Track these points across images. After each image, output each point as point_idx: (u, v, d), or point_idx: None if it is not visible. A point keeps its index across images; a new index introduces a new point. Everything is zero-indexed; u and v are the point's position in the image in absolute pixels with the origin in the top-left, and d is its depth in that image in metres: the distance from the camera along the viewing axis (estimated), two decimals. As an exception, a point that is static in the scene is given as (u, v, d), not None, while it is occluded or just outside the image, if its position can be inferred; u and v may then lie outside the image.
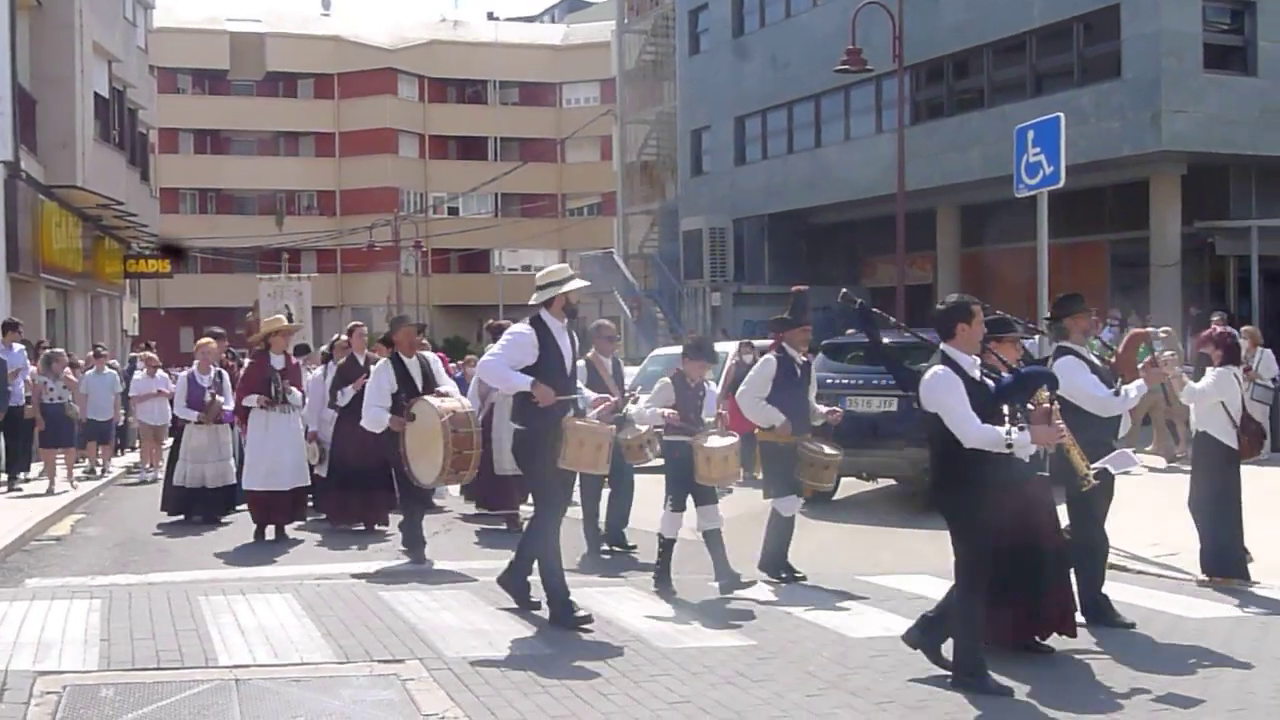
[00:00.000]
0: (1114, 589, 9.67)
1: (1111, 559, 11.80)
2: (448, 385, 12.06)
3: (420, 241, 60.81)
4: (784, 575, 10.96)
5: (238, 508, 15.14)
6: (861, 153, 34.15)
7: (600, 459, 9.35)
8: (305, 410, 14.51)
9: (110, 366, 21.79)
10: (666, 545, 10.69)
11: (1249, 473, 10.94)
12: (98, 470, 20.91)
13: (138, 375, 21.91)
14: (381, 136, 67.47)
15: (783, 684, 7.62)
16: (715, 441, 10.51)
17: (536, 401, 9.04)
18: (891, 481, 16.77)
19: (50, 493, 17.87)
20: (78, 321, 31.72)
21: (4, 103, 25.16)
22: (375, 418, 11.82)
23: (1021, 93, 29.60)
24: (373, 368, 12.68)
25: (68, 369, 19.70)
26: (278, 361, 13.65)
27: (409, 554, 12.11)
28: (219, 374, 15.47)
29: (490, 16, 78.48)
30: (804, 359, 11.12)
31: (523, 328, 9.42)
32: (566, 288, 9.42)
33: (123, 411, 22.82)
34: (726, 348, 21.52)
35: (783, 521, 11.06)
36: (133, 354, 24.75)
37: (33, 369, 19.56)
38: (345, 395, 14.37)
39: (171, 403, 21.30)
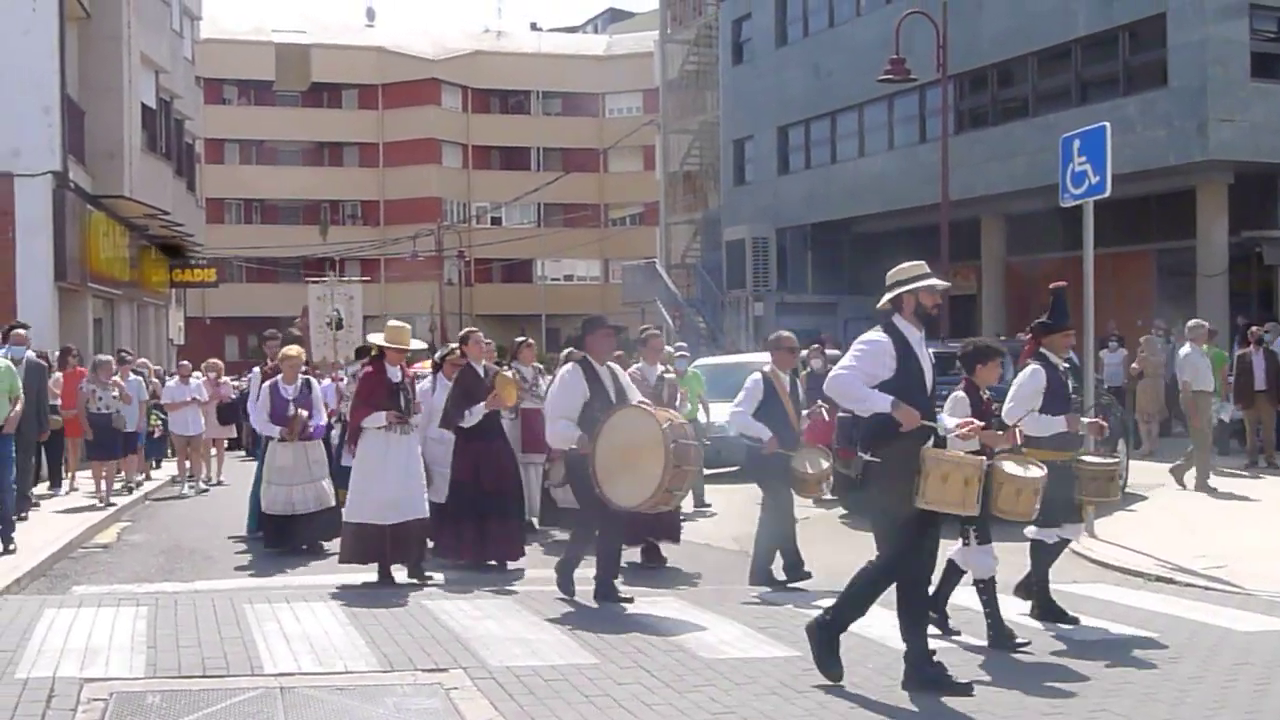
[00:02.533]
0: (1161, 601, 9.60)
1: (1158, 571, 11.74)
2: (638, 397, 10.71)
3: (463, 251, 61.06)
4: (1069, 617, 9.60)
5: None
6: (905, 162, 34.05)
7: (970, 497, 7.60)
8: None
9: (136, 373, 20.78)
10: (989, 587, 9.10)
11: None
12: (132, 484, 20.25)
13: (170, 383, 21.93)
14: (425, 147, 67.78)
15: (827, 695, 7.59)
16: (1029, 471, 8.47)
17: (896, 426, 7.57)
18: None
19: (101, 505, 17.63)
20: (124, 330, 31.96)
21: (52, 113, 25.40)
22: (563, 433, 10.31)
23: (1066, 101, 29.43)
24: (560, 373, 10.85)
25: (117, 377, 19.03)
26: (394, 374, 11.68)
27: (561, 586, 10.59)
28: (305, 384, 13.96)
29: (533, 27, 78.78)
30: (1065, 365, 9.83)
31: (877, 335, 7.92)
32: (916, 285, 8.03)
33: (159, 421, 22.21)
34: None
35: (1051, 551, 9.75)
36: (182, 362, 24.03)
37: (57, 375, 19.13)
38: (474, 415, 12.17)
39: (229, 415, 21.24)
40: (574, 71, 69.50)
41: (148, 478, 21.39)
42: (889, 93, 32.60)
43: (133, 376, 20.17)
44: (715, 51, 44.97)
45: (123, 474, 19.93)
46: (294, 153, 69.14)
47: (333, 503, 13.45)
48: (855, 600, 7.86)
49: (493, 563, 12.28)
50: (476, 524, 12.05)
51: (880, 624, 9.44)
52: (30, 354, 16.29)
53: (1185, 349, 18.52)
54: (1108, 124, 14.43)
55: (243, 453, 29.13)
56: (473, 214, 67.90)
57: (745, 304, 39.04)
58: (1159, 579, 11.57)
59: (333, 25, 71.12)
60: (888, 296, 8.03)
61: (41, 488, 19.11)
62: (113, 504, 17.73)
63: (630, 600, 10.18)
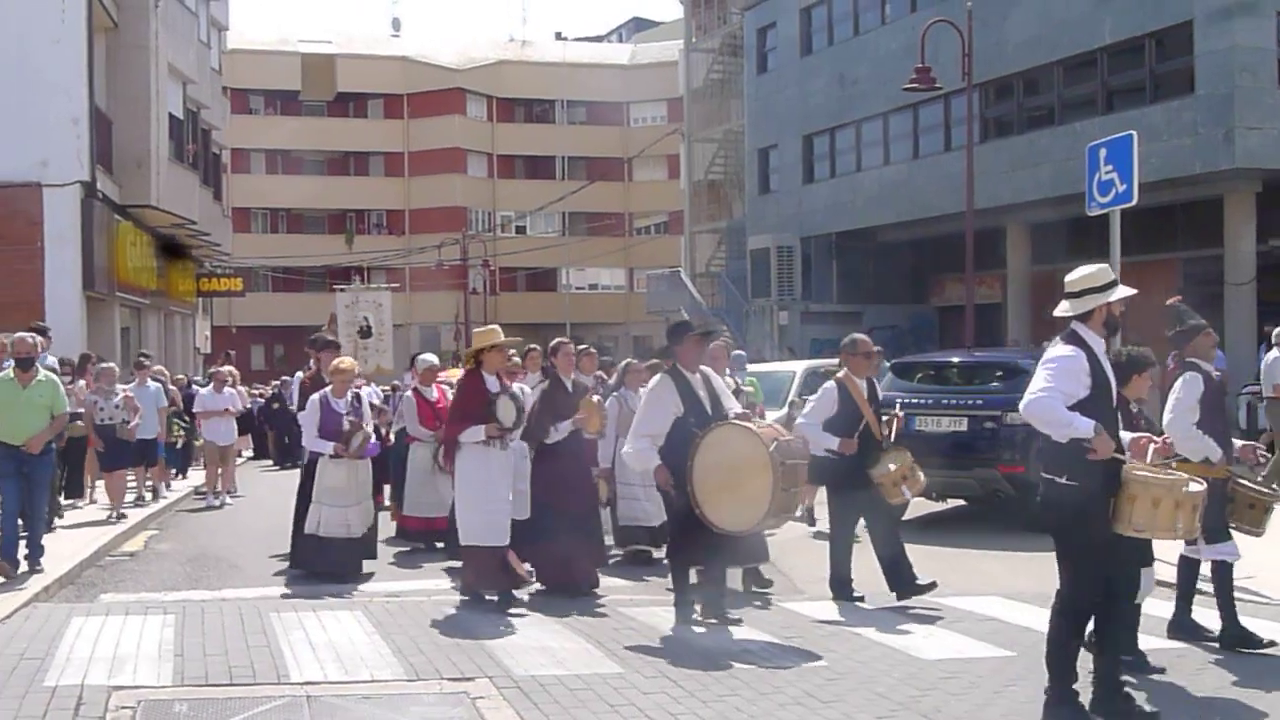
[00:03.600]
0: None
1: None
2: (735, 406, 9.98)
3: (488, 260, 61.18)
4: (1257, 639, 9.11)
5: (445, 562, 13.15)
6: (930, 170, 33.99)
7: (1190, 521, 7.01)
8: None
9: (154, 379, 19.87)
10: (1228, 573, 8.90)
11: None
12: (147, 496, 19.29)
13: (203, 391, 21.60)
14: (450, 156, 67.95)
15: (852, 705, 7.57)
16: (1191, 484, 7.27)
17: (1090, 452, 6.85)
18: (960, 501, 16.65)
19: (114, 519, 16.73)
20: (151, 339, 32.11)
21: (81, 123, 25.58)
22: (642, 455, 9.63)
23: (1092, 110, 29.35)
24: (644, 388, 10.07)
25: (126, 385, 18.16)
26: (493, 383, 10.71)
27: (711, 615, 9.82)
28: (356, 397, 12.76)
29: (558, 36, 78.90)
30: (1217, 373, 9.31)
31: (1069, 350, 7.13)
32: (1112, 296, 7.33)
33: (182, 431, 21.67)
34: (793, 367, 21.42)
35: (1229, 571, 9.24)
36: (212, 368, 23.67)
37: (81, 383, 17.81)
38: (560, 431, 11.32)
39: (265, 427, 20.71)
40: (598, 81, 69.60)
41: (167, 487, 20.69)
42: (914, 101, 32.56)
43: (151, 384, 19.46)
44: (740, 60, 44.99)
45: (148, 481, 19.50)
46: (319, 162, 69.40)
47: (373, 522, 12.85)
48: (1076, 642, 7.19)
49: (578, 583, 11.24)
50: (556, 544, 11.07)
51: (906, 634, 9.43)
52: (51, 359, 15.85)
53: (1273, 354, 18.40)
54: (1135, 133, 14.38)
55: (269, 463, 29.31)
56: (497, 223, 68.02)
57: (770, 313, 39.00)
58: None
59: (358, 35, 71.41)
60: (1084, 307, 7.25)
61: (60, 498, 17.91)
62: (123, 516, 16.88)
63: (738, 621, 9.76)
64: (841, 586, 10.75)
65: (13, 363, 12.60)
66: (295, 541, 12.77)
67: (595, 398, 12.15)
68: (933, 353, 27.37)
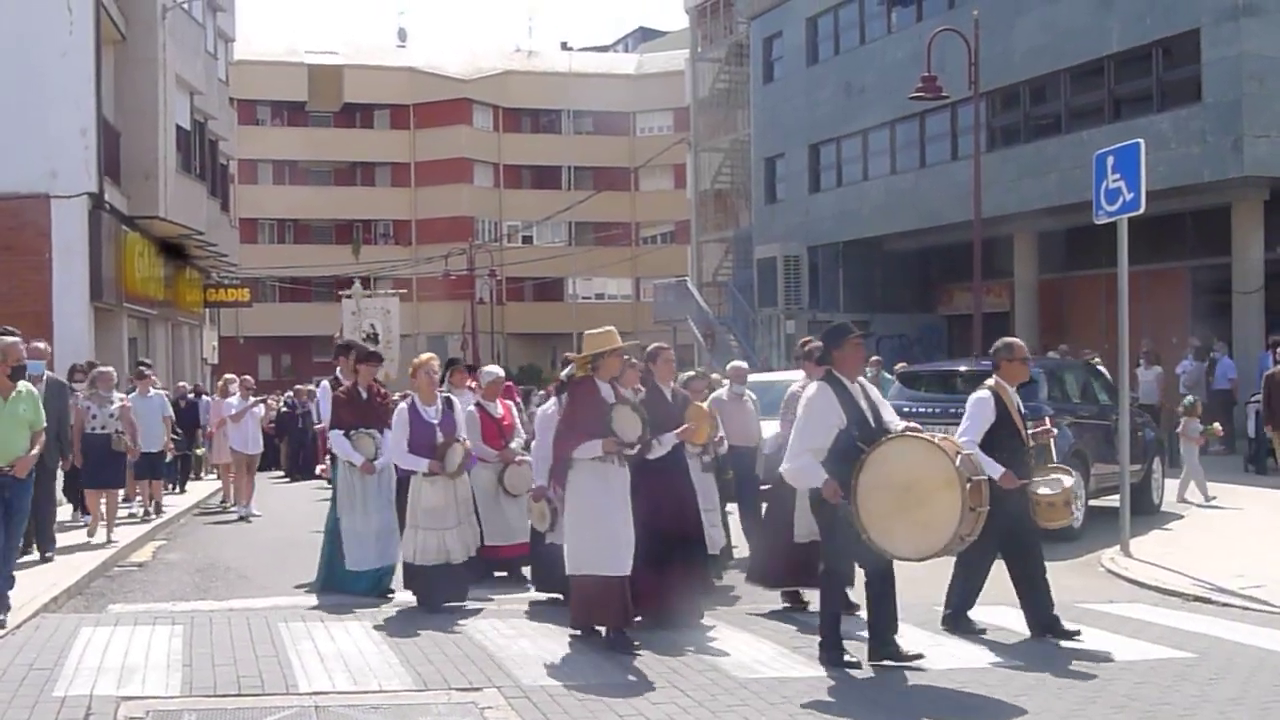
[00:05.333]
0: (1199, 621, 9.51)
1: (1196, 591, 11.65)
2: (896, 419, 8.96)
3: (495, 270, 61.22)
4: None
5: (538, 593, 11.72)
6: (937, 179, 33.99)
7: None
8: (533, 458, 11.45)
9: (156, 388, 19.20)
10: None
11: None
12: (150, 512, 18.52)
13: (230, 399, 20.84)
14: (456, 166, 68.04)
15: (860, 716, 7.56)
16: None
17: None
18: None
19: (99, 542, 15.40)
20: (159, 350, 32.15)
21: (89, 134, 25.61)
22: (807, 472, 8.52)
23: (1099, 118, 29.32)
24: (805, 396, 8.87)
25: (119, 392, 17.02)
26: (608, 392, 9.58)
27: (826, 656, 8.77)
28: (447, 403, 11.52)
29: (564, 46, 78.98)
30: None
31: None
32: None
33: (172, 440, 20.06)
34: (797, 375, 21.30)
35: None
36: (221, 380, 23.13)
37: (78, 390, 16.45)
38: (664, 445, 10.08)
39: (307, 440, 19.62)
40: (605, 90, 69.65)
41: (156, 505, 19.05)
42: (921, 110, 32.54)
43: (154, 392, 18.82)
44: (746, 70, 45.01)
45: (136, 501, 18.75)
46: (326, 173, 69.51)
47: (475, 546, 11.40)
48: None
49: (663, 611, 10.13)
50: (656, 571, 9.82)
51: (913, 646, 9.39)
52: (50, 373, 14.78)
53: None
54: (1142, 141, 14.37)
55: (279, 474, 29.34)
56: (504, 233, 68.06)
57: (777, 322, 38.99)
58: (1196, 599, 11.48)
59: (365, 46, 71.54)
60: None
61: (65, 512, 17.14)
62: (114, 541, 15.47)
63: (921, 656, 8.78)
64: (961, 620, 9.95)
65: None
66: (406, 573, 11.30)
67: (704, 404, 11.56)
68: (940, 361, 27.36)
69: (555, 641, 9.51)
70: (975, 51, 25.56)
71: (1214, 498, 18.39)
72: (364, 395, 12.12)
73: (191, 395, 25.57)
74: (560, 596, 10.85)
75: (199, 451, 25.40)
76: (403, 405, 11.38)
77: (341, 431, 11.95)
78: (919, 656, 8.66)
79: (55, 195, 25.31)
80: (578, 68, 71.67)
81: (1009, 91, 32.01)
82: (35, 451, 10.65)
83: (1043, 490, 9.40)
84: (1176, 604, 9.82)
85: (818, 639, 8.84)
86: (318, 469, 22.73)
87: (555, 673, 8.48)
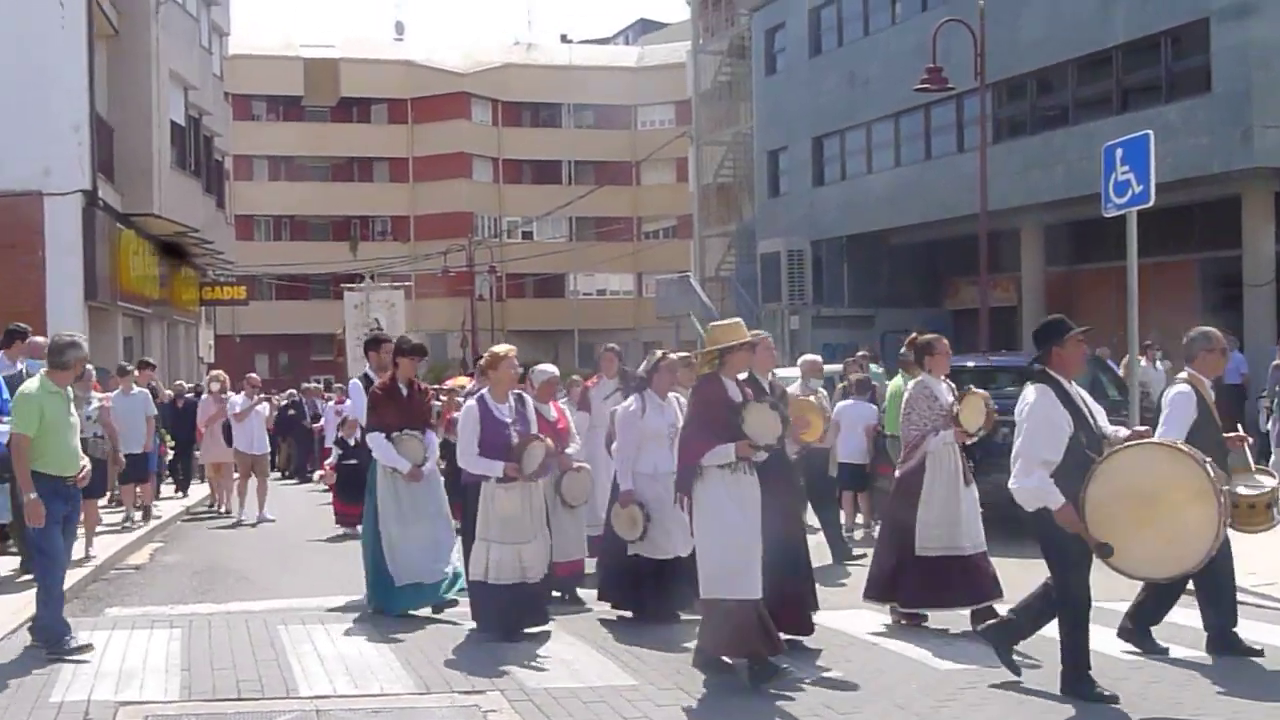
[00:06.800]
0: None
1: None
2: (1108, 425, 8.18)
3: (495, 266, 61.23)
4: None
5: (605, 608, 10.86)
6: (942, 172, 33.96)
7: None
8: (616, 460, 10.83)
9: (141, 385, 18.67)
10: None
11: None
12: (136, 516, 17.93)
13: (236, 397, 20.57)
14: (455, 161, 68.03)
15: (870, 715, 7.57)
16: None
17: None
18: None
19: (84, 556, 14.01)
20: (155, 349, 32.14)
21: (82, 131, 25.62)
22: (1041, 490, 7.61)
23: (1107, 109, 29.29)
24: (1026, 399, 7.92)
25: (99, 391, 15.98)
26: (734, 391, 8.71)
27: (1076, 688, 7.83)
28: (520, 399, 10.36)
29: (564, 39, 79.01)
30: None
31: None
32: None
33: (157, 440, 19.60)
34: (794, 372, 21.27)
35: None
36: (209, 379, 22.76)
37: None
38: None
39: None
40: (605, 83, 69.65)
41: (145, 511, 18.44)
42: (925, 102, 32.50)
43: (136, 390, 18.18)
44: (748, 62, 44.97)
45: (138, 502, 18.22)
46: (323, 168, 69.53)
47: (546, 567, 10.23)
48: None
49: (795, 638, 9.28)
50: (765, 586, 8.61)
51: (924, 644, 9.41)
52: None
53: None
54: (1151, 132, 14.35)
55: (279, 475, 29.33)
56: (504, 228, 68.11)
57: (781, 317, 38.95)
58: None
59: (361, 39, 71.56)
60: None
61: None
62: (92, 556, 14.25)
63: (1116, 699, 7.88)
64: (1144, 637, 9.26)
65: (44, 366, 10.00)
66: (474, 596, 10.09)
67: (813, 396, 11.03)
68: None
69: (559, 644, 9.52)
70: (981, 42, 25.52)
71: None
72: (404, 392, 11.20)
73: (191, 394, 25.39)
74: (630, 614, 10.44)
75: (196, 453, 25.26)
76: (470, 403, 10.29)
77: (383, 434, 10.96)
78: (1114, 699, 7.76)
79: (49, 193, 25.33)
80: (578, 60, 71.66)
81: (1015, 82, 31.98)
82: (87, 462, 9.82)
83: (1243, 490, 8.68)
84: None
85: (827, 637, 8.82)
86: (315, 474, 22.70)
87: (559, 675, 8.48)
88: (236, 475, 20.36)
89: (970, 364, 17.43)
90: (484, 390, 10.33)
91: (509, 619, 9.74)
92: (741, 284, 43.85)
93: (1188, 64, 27.76)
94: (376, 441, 10.96)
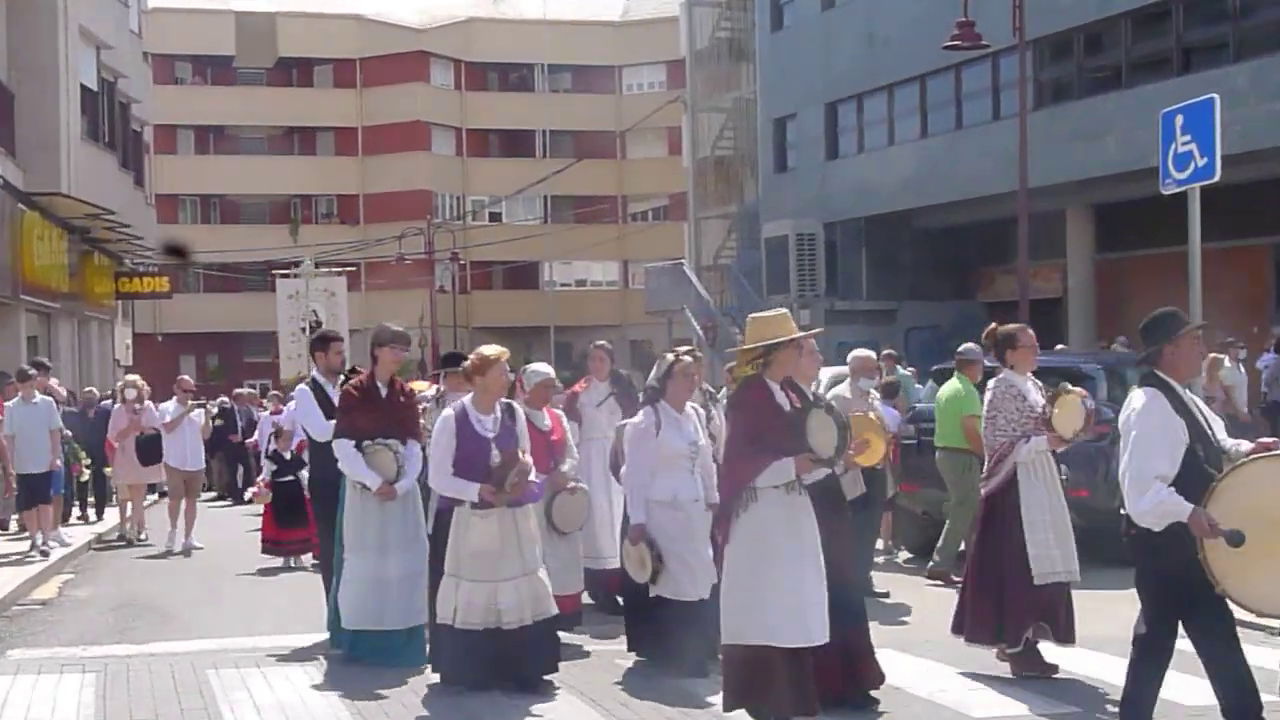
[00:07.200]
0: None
1: (1240, 615, 11.63)
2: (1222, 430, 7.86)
3: (457, 253, 61.16)
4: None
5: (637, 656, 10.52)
6: (975, 144, 34.02)
7: None
8: (625, 487, 10.46)
9: (45, 392, 18.34)
10: None
11: None
12: (52, 546, 17.68)
13: (166, 405, 20.28)
14: (411, 131, 67.93)
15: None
16: None
17: None
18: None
19: None
20: (63, 349, 32.11)
21: (-22, 98, 25.62)
22: (1167, 501, 7.22)
23: (1166, 70, 29.37)
24: (1135, 405, 7.58)
25: None
26: (782, 397, 8.28)
27: None
28: (509, 411, 9.96)
29: (537, -11, 78.99)
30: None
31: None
32: None
33: (65, 457, 19.57)
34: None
35: None
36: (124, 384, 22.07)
37: None
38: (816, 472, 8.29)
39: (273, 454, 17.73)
40: (586, 41, 69.57)
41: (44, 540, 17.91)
42: (956, 62, 32.55)
43: (40, 398, 17.91)
44: (751, 16, 45.02)
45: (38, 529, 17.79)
46: (258, 140, 69.37)
47: (554, 609, 9.80)
48: None
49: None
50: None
51: (953, 688, 9.43)
52: None
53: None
54: (1216, 96, 14.39)
55: (213, 495, 29.24)
56: (468, 209, 68.01)
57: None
58: (1242, 624, 11.41)
59: (303, -10, 71.49)
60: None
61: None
62: None
63: None
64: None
65: None
66: (435, 640, 9.94)
67: (872, 414, 10.75)
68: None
69: (541, 695, 9.44)
70: (1020, -8, 25.57)
71: None
72: (383, 392, 10.85)
73: (106, 403, 25.20)
74: (649, 661, 10.21)
75: (107, 471, 24.91)
76: (448, 412, 9.89)
77: (352, 442, 10.62)
78: None
79: (-62, 169, 25.30)
80: (553, 15, 71.53)
81: (1059, 40, 32.06)
82: None
83: None
84: (1261, 639, 9.77)
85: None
86: (248, 492, 22.56)
87: (529, 724, 8.50)
88: (155, 499, 20.05)
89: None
90: (466, 399, 9.91)
91: (476, 672, 9.45)
92: (743, 273, 43.87)
93: (1260, 19, 27.84)
94: (343, 450, 10.62)
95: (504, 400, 9.96)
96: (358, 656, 10.48)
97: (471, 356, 10.06)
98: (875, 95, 38.15)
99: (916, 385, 19.61)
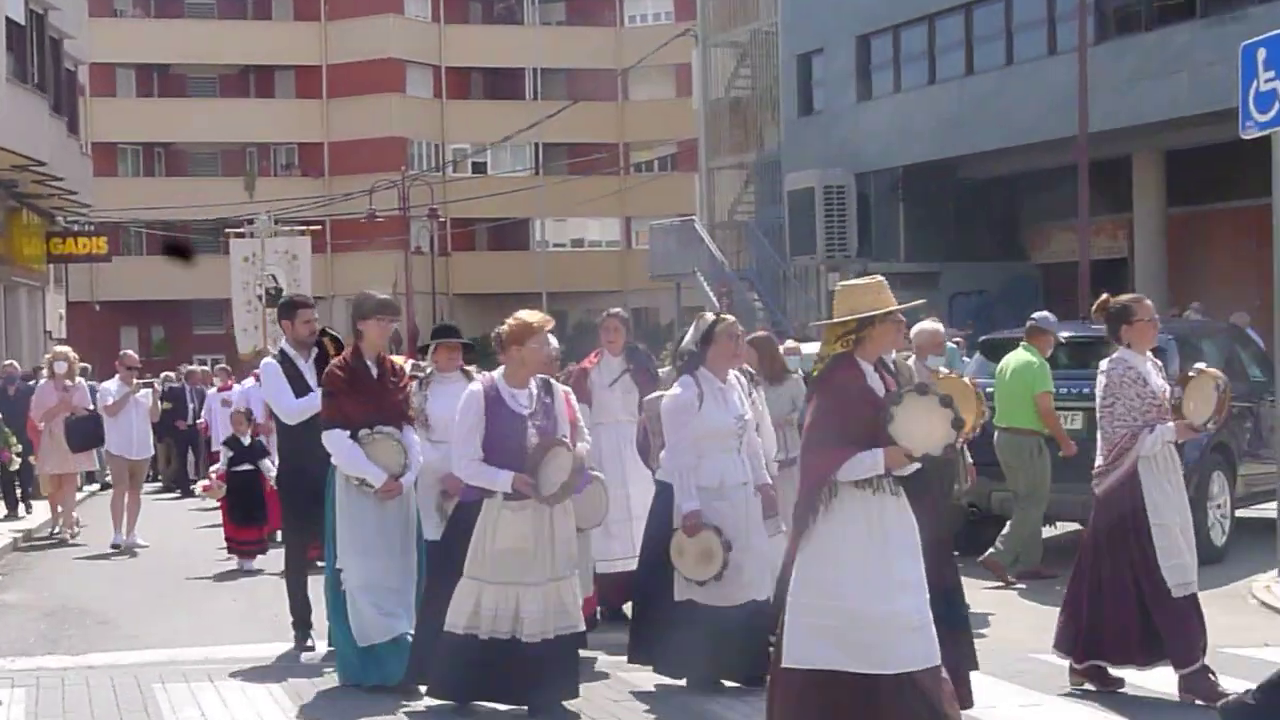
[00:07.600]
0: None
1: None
2: None
3: (436, 209, 61.16)
4: None
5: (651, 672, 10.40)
6: (1028, 82, 33.97)
7: None
8: (667, 466, 10.36)
9: None
10: None
11: None
12: None
13: (107, 384, 20.21)
14: (383, 70, 67.82)
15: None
16: None
17: None
18: (1075, 525, 16.61)
19: None
20: (-13, 320, 32.17)
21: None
22: None
23: (1246, -3, 29.32)
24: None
25: None
26: (875, 379, 7.86)
27: None
28: (546, 387, 9.70)
29: (526, -93, 78.86)
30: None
31: None
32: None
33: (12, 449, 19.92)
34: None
35: None
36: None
37: None
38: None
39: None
40: (582, -34, 69.52)
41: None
42: (1006, -12, 32.55)
43: None
44: (771, -63, 44.97)
45: None
46: (209, 81, 69.30)
47: (581, 625, 9.72)
48: None
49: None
50: None
51: (1006, 708, 9.45)
52: None
53: None
54: (1305, 27, 14.38)
55: (158, 485, 29.23)
56: (448, 159, 67.97)
57: (816, 275, 39.00)
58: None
59: (258, -91, 71.42)
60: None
61: None
62: None
63: None
64: None
65: None
66: (428, 654, 9.56)
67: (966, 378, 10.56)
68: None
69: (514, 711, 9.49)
70: (1079, -92, 25.53)
71: None
72: (374, 372, 10.51)
73: (28, 380, 24.79)
74: (683, 682, 10.07)
75: (32, 459, 24.58)
76: (474, 387, 9.61)
77: (346, 432, 10.28)
78: None
79: None
80: (544, -64, 71.60)
81: (1125, -39, 32.01)
82: None
83: None
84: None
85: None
86: (199, 485, 22.52)
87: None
88: (92, 490, 20.02)
89: (1066, 335, 17.41)
90: (496, 373, 9.67)
91: (481, 687, 9.29)
92: (763, 231, 43.88)
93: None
94: (337, 442, 10.26)
95: (540, 375, 9.66)
96: (377, 683, 10.02)
97: (510, 322, 9.67)
98: (913, 26, 38.07)
99: (964, 359, 19.58)
